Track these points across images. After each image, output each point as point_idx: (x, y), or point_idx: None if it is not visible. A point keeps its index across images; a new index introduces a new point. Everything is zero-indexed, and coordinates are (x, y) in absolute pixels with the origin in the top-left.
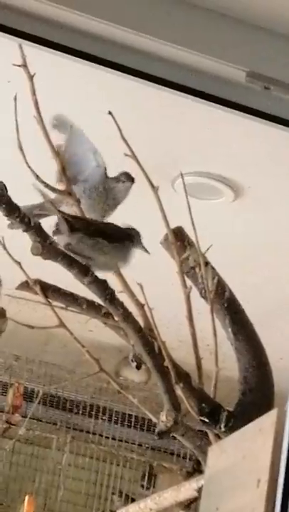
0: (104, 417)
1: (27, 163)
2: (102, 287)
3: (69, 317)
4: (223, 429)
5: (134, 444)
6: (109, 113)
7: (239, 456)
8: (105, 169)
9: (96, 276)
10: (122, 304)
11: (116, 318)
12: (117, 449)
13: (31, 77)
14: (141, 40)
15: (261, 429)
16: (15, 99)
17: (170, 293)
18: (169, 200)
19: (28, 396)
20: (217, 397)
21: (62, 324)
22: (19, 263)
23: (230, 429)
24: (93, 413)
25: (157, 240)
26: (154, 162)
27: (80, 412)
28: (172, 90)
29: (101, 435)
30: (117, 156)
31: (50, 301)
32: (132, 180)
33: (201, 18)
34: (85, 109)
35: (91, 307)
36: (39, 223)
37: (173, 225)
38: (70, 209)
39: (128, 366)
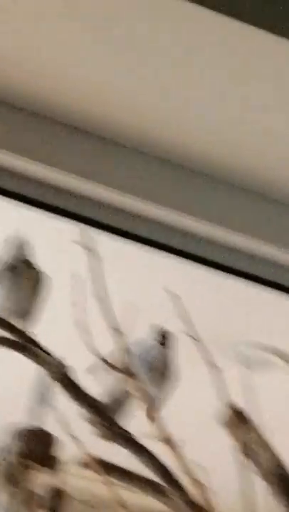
0: None
1: (87, 342)
2: (159, 467)
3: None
4: None
5: None
6: (173, 295)
7: None
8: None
9: (153, 455)
10: (178, 483)
11: (172, 497)
12: None
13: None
14: (196, 225)
15: None
16: (74, 276)
17: (226, 469)
18: (224, 373)
19: None
20: None
21: (122, 504)
22: (79, 440)
23: None
24: None
25: (213, 416)
26: (208, 335)
27: None
28: (228, 274)
29: None
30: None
31: (109, 478)
32: (167, 340)
33: (258, 205)
34: (142, 288)
35: (148, 485)
36: (104, 407)
37: (230, 399)
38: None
39: None
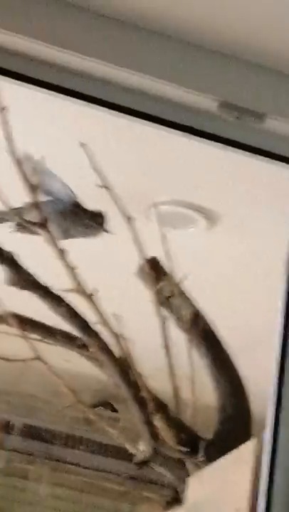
0: (82, 447)
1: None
2: (77, 318)
3: (46, 348)
4: (201, 458)
5: (113, 473)
6: (82, 145)
7: (218, 486)
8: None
9: (70, 307)
10: (97, 335)
11: (91, 349)
12: (95, 479)
13: (2, 109)
14: (112, 71)
15: (240, 458)
16: None
17: (146, 322)
18: (143, 229)
19: (5, 427)
20: (195, 424)
21: (38, 357)
22: None
23: (209, 458)
24: (71, 443)
25: (132, 271)
26: (128, 192)
27: (58, 442)
28: (145, 121)
29: (79, 465)
30: (91, 187)
31: (26, 333)
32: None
33: (172, 48)
34: (58, 140)
35: (67, 339)
36: (12, 255)
37: (149, 255)
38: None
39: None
